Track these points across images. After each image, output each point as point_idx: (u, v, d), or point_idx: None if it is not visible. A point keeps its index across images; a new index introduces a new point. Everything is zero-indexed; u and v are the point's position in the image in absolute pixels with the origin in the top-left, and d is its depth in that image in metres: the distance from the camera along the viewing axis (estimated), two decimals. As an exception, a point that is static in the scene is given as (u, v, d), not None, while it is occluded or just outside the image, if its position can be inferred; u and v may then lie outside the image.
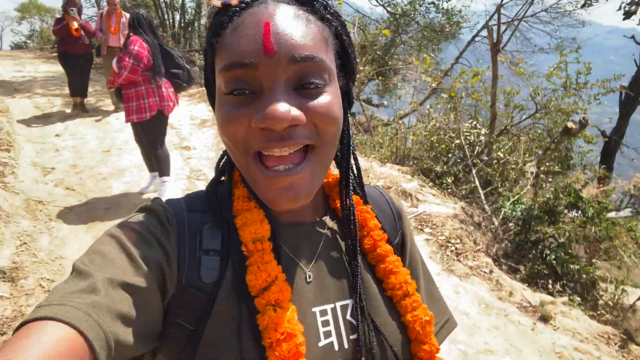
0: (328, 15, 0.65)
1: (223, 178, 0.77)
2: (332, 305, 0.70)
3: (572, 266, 4.05)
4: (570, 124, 5.23)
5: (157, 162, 4.52)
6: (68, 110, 7.34)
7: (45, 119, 7.01)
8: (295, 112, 0.57)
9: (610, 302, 3.61)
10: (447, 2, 12.63)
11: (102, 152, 5.89)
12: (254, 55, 0.57)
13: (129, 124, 4.42)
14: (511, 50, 11.32)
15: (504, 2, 9.87)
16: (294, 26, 0.59)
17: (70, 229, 3.98)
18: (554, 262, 4.08)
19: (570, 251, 4.19)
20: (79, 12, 6.71)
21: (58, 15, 13.33)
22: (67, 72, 7.07)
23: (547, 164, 5.39)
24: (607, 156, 7.73)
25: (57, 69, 10.10)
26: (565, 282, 4.14)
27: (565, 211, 4.40)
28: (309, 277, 0.70)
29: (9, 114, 6.90)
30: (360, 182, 0.81)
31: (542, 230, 4.43)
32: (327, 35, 0.64)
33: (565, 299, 3.49)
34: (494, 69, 5.66)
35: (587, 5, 6.87)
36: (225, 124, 0.61)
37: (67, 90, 7.54)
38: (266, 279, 0.63)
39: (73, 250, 3.68)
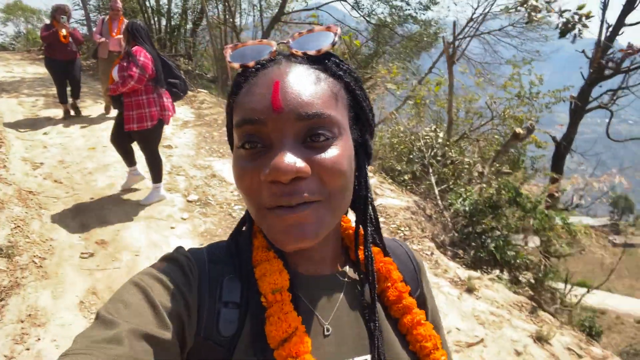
0: (340, 72, 0.68)
1: (244, 228, 0.78)
2: None
3: (509, 253, 4.58)
4: (518, 130, 5.79)
5: (151, 168, 4.71)
6: (55, 110, 7.68)
7: (33, 118, 7.36)
8: (300, 164, 0.59)
9: (531, 280, 4.16)
10: (424, 15, 13.22)
11: (88, 149, 6.28)
12: (263, 112, 0.60)
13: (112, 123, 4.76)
14: (481, 61, 11.97)
15: (473, 16, 10.46)
16: (302, 84, 0.62)
17: (58, 215, 4.39)
18: (494, 249, 4.61)
19: (509, 240, 4.72)
20: (68, 19, 6.87)
21: (46, 21, 13.61)
22: (54, 78, 7.20)
23: (498, 165, 5.95)
24: (558, 160, 8.35)
25: (44, 70, 10.42)
26: (506, 268, 4.68)
27: (507, 205, 4.93)
28: (327, 330, 0.69)
29: (-3, 113, 7.25)
30: (379, 234, 0.81)
31: (487, 223, 4.96)
32: (337, 90, 0.66)
33: (492, 275, 4.02)
34: (450, 79, 6.21)
35: (530, 22, 7.44)
36: (239, 176, 0.64)
37: (53, 90, 7.88)
38: (286, 329, 0.63)
39: (62, 234, 4.08)
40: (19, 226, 3.95)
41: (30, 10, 23.60)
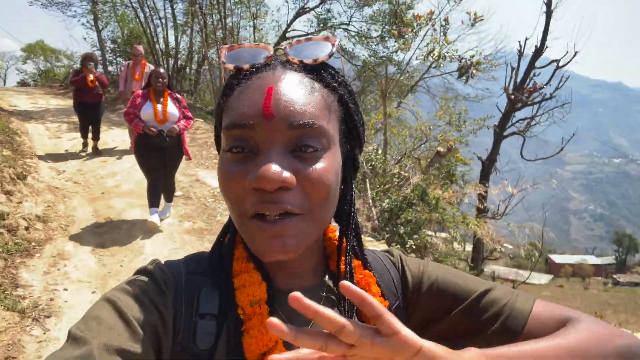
0: (334, 84, 0.68)
1: (226, 239, 0.77)
2: None
3: (415, 236, 6.05)
4: (439, 149, 7.35)
5: (171, 191, 5.62)
6: (75, 133, 9.31)
7: (56, 138, 9.04)
8: (286, 174, 0.59)
9: (413, 247, 5.63)
10: (397, 56, 15.07)
11: (100, 161, 7.90)
12: (253, 117, 0.60)
13: (124, 148, 6.04)
14: (442, 97, 13.76)
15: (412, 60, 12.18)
16: (296, 92, 0.62)
17: (77, 202, 5.95)
18: (403, 234, 6.08)
19: (417, 228, 6.21)
20: (95, 66, 7.83)
21: (65, 61, 15.40)
22: (80, 118, 8.09)
23: (425, 176, 7.49)
24: (484, 176, 9.87)
25: (65, 102, 12.28)
26: (412, 247, 6.14)
27: (418, 203, 6.44)
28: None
29: (28, 134, 8.93)
30: (360, 247, 0.80)
31: (404, 217, 6.46)
32: (331, 102, 0.66)
33: (383, 242, 5.49)
34: (384, 109, 7.85)
35: (437, 67, 9.01)
36: (223, 181, 0.63)
37: (74, 118, 9.50)
38: (267, 343, 0.62)
39: (79, 212, 5.63)
40: (50, 206, 5.51)
41: (50, 49, 25.50)
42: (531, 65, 9.94)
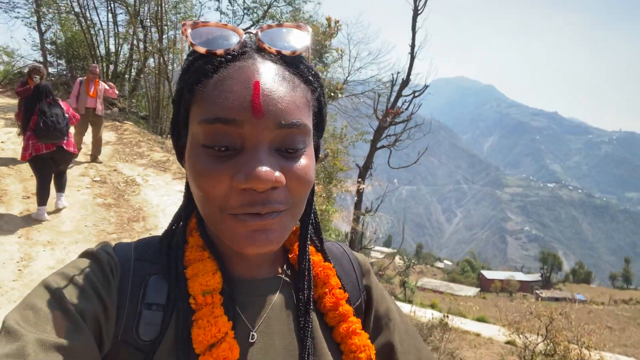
0: (311, 78, 0.66)
1: (179, 225, 0.74)
2: None
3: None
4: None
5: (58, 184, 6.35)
6: (10, 128, 10.54)
7: (-6, 131, 10.25)
8: (277, 174, 0.57)
9: None
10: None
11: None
12: (240, 113, 0.57)
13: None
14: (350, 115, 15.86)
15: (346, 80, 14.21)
16: (282, 89, 0.60)
17: (10, 181, 7.35)
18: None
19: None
20: (41, 79, 8.03)
21: (4, 57, 16.08)
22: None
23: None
24: (362, 178, 12.01)
25: (3, 100, 13.34)
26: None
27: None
28: (252, 337, 0.67)
29: (-33, 126, 10.10)
30: (319, 238, 0.80)
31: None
32: (309, 98, 0.65)
33: None
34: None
35: (330, 98, 10.99)
36: (202, 178, 0.60)
37: (10, 115, 10.72)
38: (215, 334, 0.61)
39: (11, 188, 7.04)
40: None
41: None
42: (399, 94, 12.33)
